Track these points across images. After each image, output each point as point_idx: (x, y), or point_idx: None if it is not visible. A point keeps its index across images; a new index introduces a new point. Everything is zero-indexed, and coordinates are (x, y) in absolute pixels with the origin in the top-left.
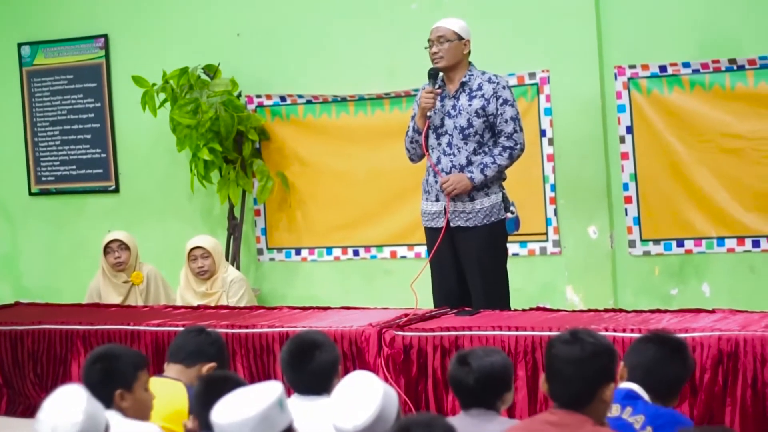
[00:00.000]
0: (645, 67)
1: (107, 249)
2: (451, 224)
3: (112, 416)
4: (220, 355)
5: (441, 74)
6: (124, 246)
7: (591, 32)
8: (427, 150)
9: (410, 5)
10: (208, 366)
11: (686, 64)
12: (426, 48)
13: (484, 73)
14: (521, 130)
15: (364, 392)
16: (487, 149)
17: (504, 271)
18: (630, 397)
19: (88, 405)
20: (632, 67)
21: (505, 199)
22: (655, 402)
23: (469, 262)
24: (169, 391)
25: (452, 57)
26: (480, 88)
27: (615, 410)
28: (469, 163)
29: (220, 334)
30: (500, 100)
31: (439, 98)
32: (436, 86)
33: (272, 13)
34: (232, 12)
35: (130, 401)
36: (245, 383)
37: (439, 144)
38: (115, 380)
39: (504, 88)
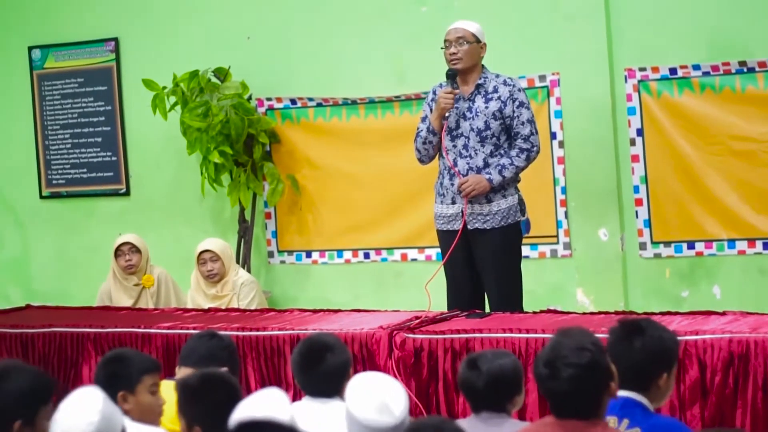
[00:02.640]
0: (655, 69)
1: (118, 252)
2: (469, 227)
3: None
4: (231, 360)
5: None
6: (135, 249)
7: (601, 35)
8: (446, 152)
9: (420, 8)
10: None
11: (696, 67)
12: (442, 48)
13: (498, 75)
14: (537, 132)
15: (386, 387)
16: (503, 151)
17: (519, 273)
18: (628, 407)
19: (105, 406)
20: (642, 69)
21: (521, 201)
22: (639, 392)
23: (486, 264)
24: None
25: (470, 59)
26: (496, 90)
27: (612, 423)
28: (486, 165)
29: (231, 338)
30: (516, 103)
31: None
32: (453, 87)
33: (282, 17)
34: (242, 15)
35: (133, 404)
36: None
37: (455, 146)
38: (117, 382)
39: (519, 90)
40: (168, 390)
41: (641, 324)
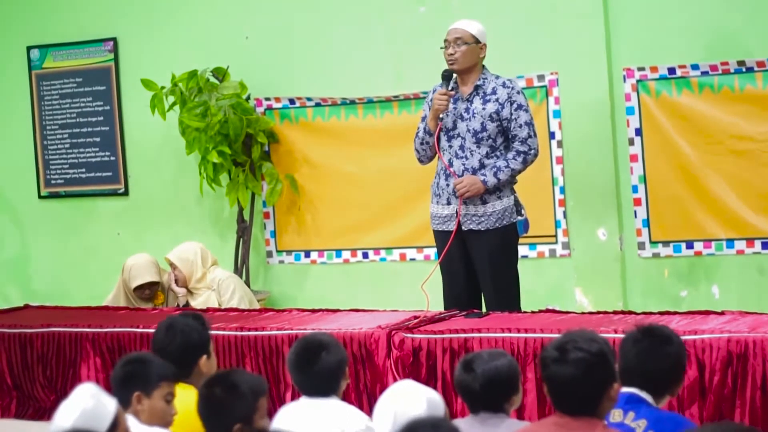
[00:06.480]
0: (654, 69)
1: (139, 287)
2: (463, 227)
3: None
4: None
5: (455, 76)
6: (156, 284)
7: (600, 34)
8: (440, 152)
9: (418, 8)
10: (203, 360)
11: (695, 66)
12: (441, 48)
13: (497, 77)
14: (535, 135)
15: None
16: (499, 153)
17: (515, 274)
18: (633, 401)
19: (89, 403)
20: (641, 69)
21: (516, 202)
22: (654, 397)
23: (482, 265)
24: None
25: (467, 60)
26: (494, 92)
27: (618, 415)
28: (482, 166)
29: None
30: (514, 105)
31: (451, 100)
32: (449, 88)
33: (281, 16)
34: (240, 15)
35: (147, 407)
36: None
37: (451, 146)
38: (135, 382)
39: (518, 93)
40: (182, 400)
41: (670, 332)
